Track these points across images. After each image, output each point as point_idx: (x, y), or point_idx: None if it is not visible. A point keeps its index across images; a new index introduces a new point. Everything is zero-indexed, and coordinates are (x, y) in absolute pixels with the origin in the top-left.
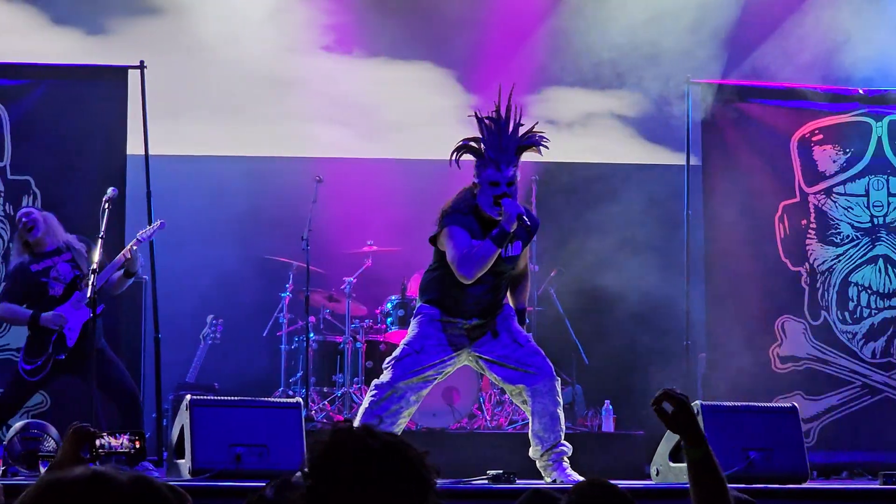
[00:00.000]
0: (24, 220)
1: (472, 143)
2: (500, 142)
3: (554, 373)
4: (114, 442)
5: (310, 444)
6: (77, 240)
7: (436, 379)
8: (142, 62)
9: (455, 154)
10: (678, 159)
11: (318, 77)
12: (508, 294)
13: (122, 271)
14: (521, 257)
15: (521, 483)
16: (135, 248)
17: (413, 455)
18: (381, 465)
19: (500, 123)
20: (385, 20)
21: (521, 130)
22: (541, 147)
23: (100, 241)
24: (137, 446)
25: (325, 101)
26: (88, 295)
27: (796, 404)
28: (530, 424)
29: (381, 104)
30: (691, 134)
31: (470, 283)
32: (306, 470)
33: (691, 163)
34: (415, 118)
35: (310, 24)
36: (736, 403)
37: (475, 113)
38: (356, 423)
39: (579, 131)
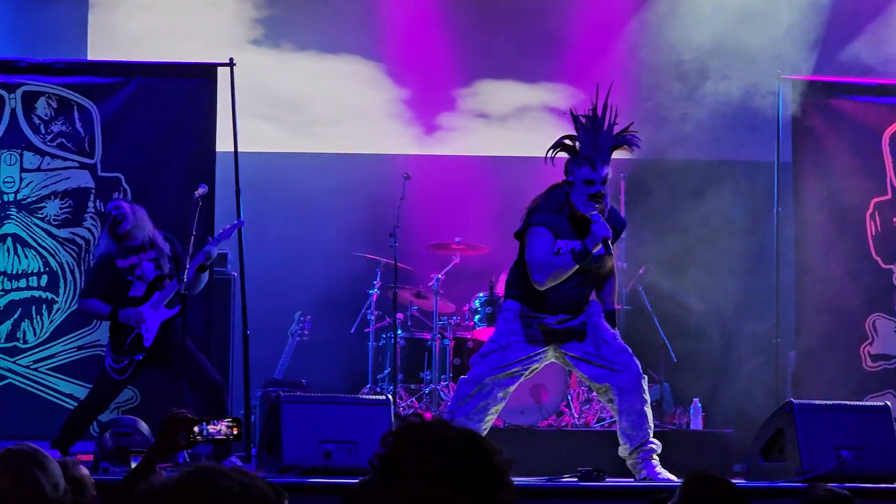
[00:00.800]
0: (113, 213)
1: (567, 142)
2: (595, 140)
3: (640, 370)
4: (211, 428)
5: (381, 437)
6: (163, 237)
7: (522, 375)
8: (231, 59)
9: (551, 151)
10: (767, 156)
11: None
12: (596, 294)
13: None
14: (607, 256)
15: (610, 481)
16: (212, 245)
17: (482, 450)
18: (446, 458)
19: (596, 122)
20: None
21: (616, 129)
22: (633, 146)
23: (192, 238)
24: (235, 433)
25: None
26: (181, 291)
27: (888, 403)
28: (618, 422)
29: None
30: (781, 131)
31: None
32: (375, 464)
33: (781, 160)
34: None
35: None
36: (828, 402)
37: (571, 111)
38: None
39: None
